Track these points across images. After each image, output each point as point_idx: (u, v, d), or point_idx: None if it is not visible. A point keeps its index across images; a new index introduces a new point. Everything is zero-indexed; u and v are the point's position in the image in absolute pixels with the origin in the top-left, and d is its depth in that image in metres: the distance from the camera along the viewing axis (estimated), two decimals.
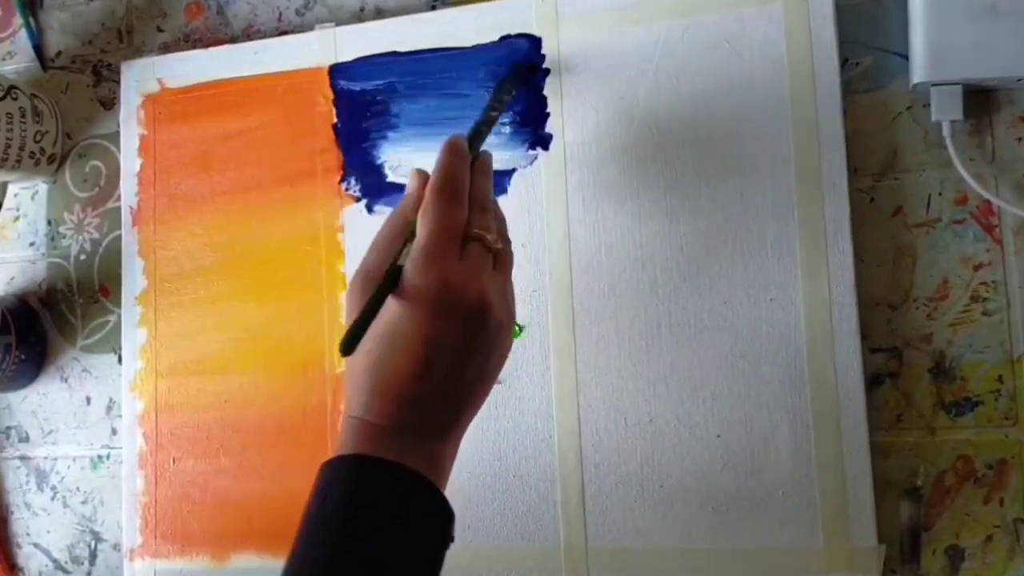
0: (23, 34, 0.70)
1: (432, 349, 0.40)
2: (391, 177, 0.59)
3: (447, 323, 0.40)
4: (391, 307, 0.40)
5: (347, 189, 0.59)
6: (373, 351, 0.41)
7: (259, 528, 0.59)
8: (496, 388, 0.55)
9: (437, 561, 0.40)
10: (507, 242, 0.46)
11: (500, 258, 0.44)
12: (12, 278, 0.68)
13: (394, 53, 0.59)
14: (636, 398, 0.53)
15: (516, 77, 0.54)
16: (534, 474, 0.54)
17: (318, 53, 0.60)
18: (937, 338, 0.50)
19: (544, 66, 0.56)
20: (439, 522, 0.41)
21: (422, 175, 0.46)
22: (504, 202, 0.56)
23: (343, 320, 0.46)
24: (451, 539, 0.41)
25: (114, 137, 0.66)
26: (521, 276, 0.55)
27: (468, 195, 0.44)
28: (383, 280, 0.41)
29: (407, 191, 0.46)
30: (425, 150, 0.58)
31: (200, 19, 0.66)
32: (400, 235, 0.43)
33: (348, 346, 0.40)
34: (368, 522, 0.38)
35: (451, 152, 0.45)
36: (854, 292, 0.50)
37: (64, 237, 0.67)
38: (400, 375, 0.40)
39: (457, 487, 0.55)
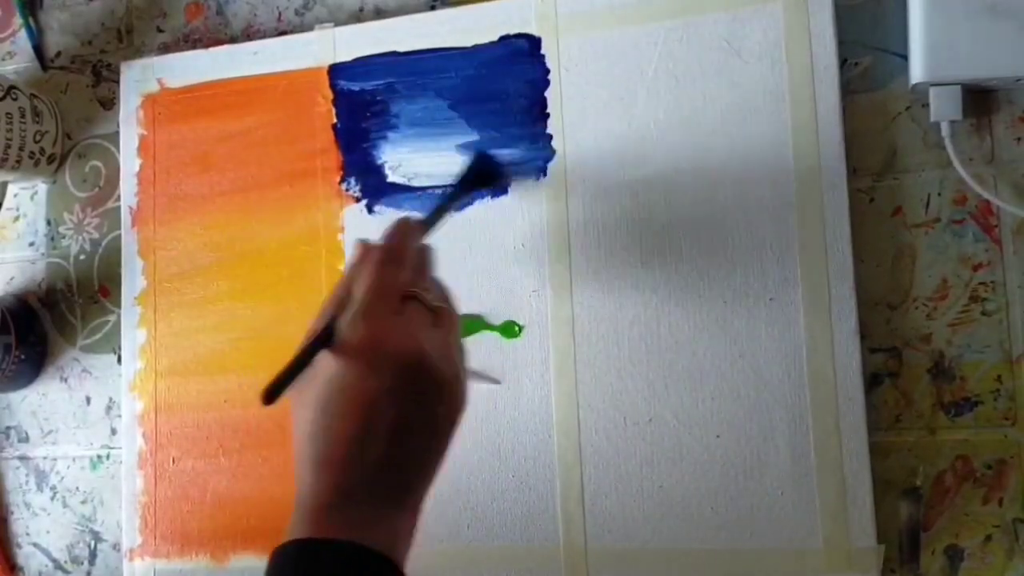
0: (23, 34, 0.70)
1: (370, 406, 0.39)
2: (391, 177, 0.59)
3: (382, 377, 0.39)
4: (326, 367, 0.39)
5: (347, 189, 0.59)
6: (313, 420, 0.40)
7: (258, 528, 0.59)
8: (496, 388, 0.55)
9: None
10: (450, 305, 0.45)
11: (441, 316, 0.43)
12: (12, 278, 0.68)
13: (394, 53, 0.59)
14: (636, 398, 0.53)
15: (480, 179, 0.55)
16: (534, 474, 0.54)
17: (317, 53, 0.60)
18: (936, 338, 0.51)
19: (507, 180, 0.55)
20: None
21: (363, 249, 0.45)
22: (504, 202, 0.56)
23: None
24: None
25: (114, 137, 0.66)
26: (521, 276, 0.55)
27: (409, 263, 0.43)
28: (316, 335, 0.40)
29: (352, 262, 0.45)
30: (424, 150, 0.58)
31: (200, 19, 0.66)
32: (342, 303, 0.42)
33: (270, 395, 0.39)
34: None
35: (399, 227, 0.44)
36: (853, 292, 0.50)
37: (64, 237, 0.67)
38: (341, 439, 0.39)
39: (457, 487, 0.55)
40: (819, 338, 0.50)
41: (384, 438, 0.39)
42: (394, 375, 0.39)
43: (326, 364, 0.39)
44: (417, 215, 0.47)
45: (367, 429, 0.39)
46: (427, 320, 0.42)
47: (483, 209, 0.56)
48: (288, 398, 0.41)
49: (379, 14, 0.61)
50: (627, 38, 0.55)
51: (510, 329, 0.55)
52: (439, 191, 0.57)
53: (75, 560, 0.65)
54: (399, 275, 0.42)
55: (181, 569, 0.60)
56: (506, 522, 0.54)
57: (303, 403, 0.40)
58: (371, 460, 0.39)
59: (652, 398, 0.53)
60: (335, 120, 0.60)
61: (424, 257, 0.45)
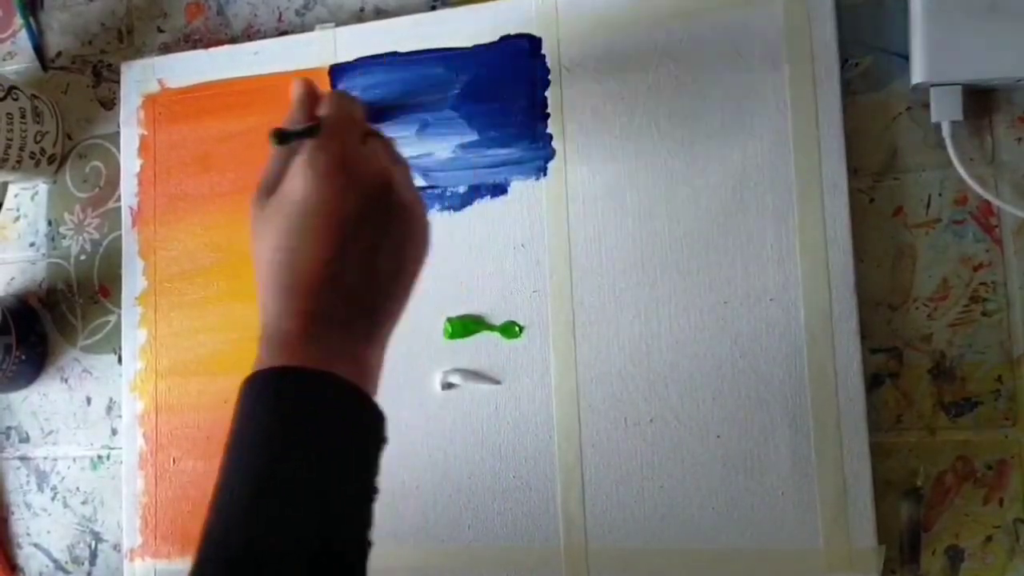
0: (23, 34, 0.70)
1: (341, 229, 0.38)
2: None
3: (353, 200, 0.39)
4: (293, 190, 0.39)
5: None
6: (279, 247, 0.39)
7: None
8: (496, 388, 0.55)
9: (372, 466, 0.38)
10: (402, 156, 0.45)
11: (398, 156, 0.44)
12: (12, 278, 0.68)
13: (394, 53, 0.59)
14: (636, 398, 0.53)
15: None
16: (534, 474, 0.54)
17: (318, 53, 0.60)
18: (937, 338, 0.50)
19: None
20: (370, 426, 0.39)
21: (308, 83, 0.45)
22: (504, 202, 0.56)
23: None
24: (384, 440, 0.39)
25: (114, 137, 0.66)
26: (521, 276, 0.55)
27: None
28: (301, 130, 0.41)
29: (293, 99, 0.44)
30: (424, 150, 0.58)
31: (200, 19, 0.66)
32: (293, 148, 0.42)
33: (281, 136, 0.40)
34: (294, 439, 0.37)
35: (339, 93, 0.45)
36: (854, 292, 0.50)
37: (64, 237, 0.67)
38: (313, 263, 0.39)
39: (458, 487, 0.55)
40: (819, 338, 0.50)
41: (356, 263, 0.39)
42: (365, 199, 0.39)
43: (293, 187, 0.39)
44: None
45: (339, 252, 0.39)
46: (388, 155, 0.42)
47: (483, 209, 0.56)
48: (251, 225, 0.41)
49: (379, 14, 0.61)
50: (627, 38, 0.55)
51: (510, 329, 0.55)
52: (438, 190, 0.57)
53: (76, 560, 0.65)
54: (359, 110, 0.43)
55: (181, 570, 0.60)
56: (506, 522, 0.54)
57: (267, 231, 0.40)
58: (343, 285, 0.39)
59: (652, 398, 0.53)
60: None
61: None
